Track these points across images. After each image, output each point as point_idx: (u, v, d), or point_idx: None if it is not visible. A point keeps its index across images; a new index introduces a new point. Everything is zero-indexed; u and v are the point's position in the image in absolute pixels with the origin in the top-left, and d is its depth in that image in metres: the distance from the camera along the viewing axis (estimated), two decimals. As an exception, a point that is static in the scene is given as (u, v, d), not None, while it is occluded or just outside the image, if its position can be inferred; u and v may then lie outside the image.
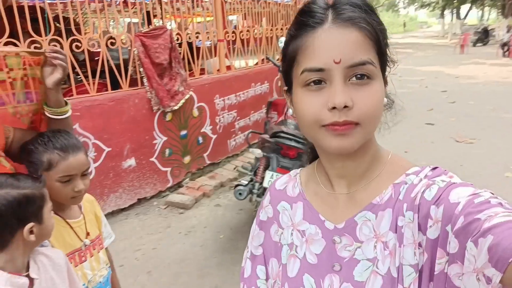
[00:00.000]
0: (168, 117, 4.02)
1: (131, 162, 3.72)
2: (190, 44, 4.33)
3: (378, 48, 0.61)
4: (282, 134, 2.79)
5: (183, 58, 4.19)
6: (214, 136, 4.63)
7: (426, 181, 0.61)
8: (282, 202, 0.78)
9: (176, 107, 4.01)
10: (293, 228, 0.74)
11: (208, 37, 4.56)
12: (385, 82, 0.66)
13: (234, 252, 3.08)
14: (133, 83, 3.78)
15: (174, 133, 4.11)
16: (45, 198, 1.05)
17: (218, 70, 4.83)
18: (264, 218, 0.80)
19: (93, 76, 3.41)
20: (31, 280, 1.01)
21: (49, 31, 3.14)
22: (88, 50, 3.41)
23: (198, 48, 4.43)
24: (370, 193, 0.67)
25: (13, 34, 2.94)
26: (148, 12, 4.30)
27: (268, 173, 2.81)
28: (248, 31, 5.09)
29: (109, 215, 3.61)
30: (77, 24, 3.72)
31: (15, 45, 2.88)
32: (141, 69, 3.76)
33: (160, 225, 3.61)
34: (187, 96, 4.13)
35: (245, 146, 5.12)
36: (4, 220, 0.95)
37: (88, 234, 1.34)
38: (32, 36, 3.03)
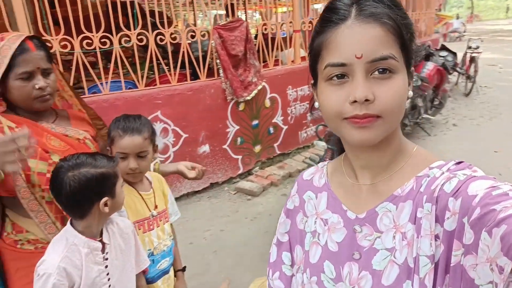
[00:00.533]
0: (241, 107, 4.18)
1: (206, 148, 3.96)
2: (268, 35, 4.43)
3: (401, 43, 0.61)
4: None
5: (258, 50, 4.30)
6: (285, 127, 4.70)
7: (448, 174, 0.61)
8: (308, 191, 0.81)
9: (248, 98, 4.16)
10: (317, 216, 0.77)
11: (283, 28, 4.60)
12: (411, 76, 0.66)
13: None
14: (210, 74, 3.99)
15: (246, 123, 4.27)
16: (118, 175, 1.20)
17: (292, 61, 4.85)
18: (291, 206, 0.84)
19: (179, 67, 3.68)
20: (103, 245, 1.19)
21: (137, 25, 3.46)
22: (174, 43, 3.68)
23: (273, 39, 4.51)
24: (392, 185, 0.68)
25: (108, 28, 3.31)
26: (232, 4, 4.46)
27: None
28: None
29: (184, 196, 3.91)
30: (168, 18, 4.02)
31: (110, 39, 3.24)
32: (218, 61, 3.96)
33: (229, 209, 3.80)
34: (259, 87, 4.24)
35: (317, 139, 5.10)
36: (84, 194, 1.12)
37: (156, 206, 1.50)
38: (122, 30, 3.37)
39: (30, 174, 1.22)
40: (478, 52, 7.84)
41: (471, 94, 7.86)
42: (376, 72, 0.60)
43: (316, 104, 0.70)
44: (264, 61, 4.45)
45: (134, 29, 3.42)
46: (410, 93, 0.66)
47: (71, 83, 3.20)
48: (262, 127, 4.45)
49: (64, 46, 3.19)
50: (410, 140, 0.73)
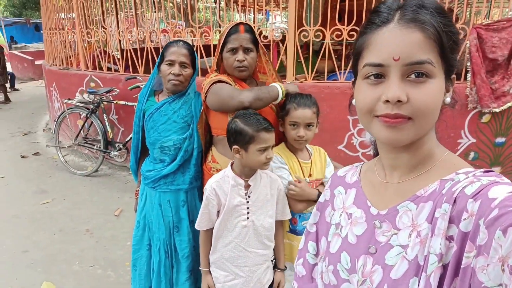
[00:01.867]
0: (485, 118, 3.62)
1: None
2: None
3: (441, 50, 0.62)
4: None
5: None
6: (502, 140, 3.73)
7: (472, 178, 0.61)
8: (339, 187, 0.87)
9: (497, 110, 3.55)
10: (343, 210, 0.82)
11: None
12: (452, 84, 0.67)
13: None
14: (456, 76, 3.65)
15: (488, 138, 3.68)
16: (255, 139, 1.49)
17: None
18: (322, 200, 0.91)
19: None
20: (248, 186, 1.57)
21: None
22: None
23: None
24: (416, 185, 0.69)
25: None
26: None
27: None
28: None
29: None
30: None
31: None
32: (468, 63, 3.56)
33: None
34: (517, 100, 3.52)
35: None
36: (229, 138, 1.56)
37: (310, 175, 1.74)
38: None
39: None
40: None
41: None
42: (413, 76, 0.62)
43: (354, 101, 0.74)
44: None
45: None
46: (448, 100, 0.67)
47: (325, 69, 3.77)
48: (509, 147, 3.72)
49: (317, 36, 3.72)
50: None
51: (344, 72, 3.76)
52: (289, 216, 1.68)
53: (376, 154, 0.85)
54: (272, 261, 1.72)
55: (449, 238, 0.59)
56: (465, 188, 0.59)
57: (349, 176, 0.86)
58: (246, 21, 1.94)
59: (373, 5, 2.70)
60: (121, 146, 4.39)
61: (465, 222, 0.56)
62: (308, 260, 0.90)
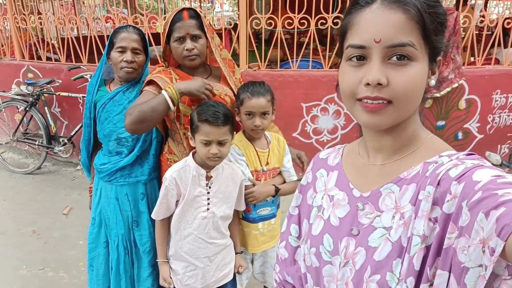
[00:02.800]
0: (428, 103, 3.85)
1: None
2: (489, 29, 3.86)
3: (424, 31, 0.61)
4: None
5: (471, 45, 3.80)
6: (479, 136, 4.06)
7: (456, 161, 0.61)
8: (321, 169, 0.86)
9: (438, 95, 3.79)
10: (325, 192, 0.82)
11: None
12: (438, 66, 0.66)
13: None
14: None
15: (430, 121, 3.92)
16: (198, 129, 1.46)
17: (512, 62, 4.05)
18: (304, 182, 0.90)
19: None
20: (210, 177, 1.54)
21: (336, 9, 3.65)
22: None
23: (489, 35, 3.88)
24: (400, 168, 0.69)
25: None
26: None
27: None
28: None
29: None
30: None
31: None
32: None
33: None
34: (455, 85, 3.79)
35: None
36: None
37: (267, 163, 1.74)
38: (321, 13, 3.63)
39: (180, 114, 1.66)
40: None
41: None
42: (394, 58, 0.61)
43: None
44: (473, 57, 3.90)
45: (332, 13, 3.63)
46: (433, 82, 0.67)
47: (278, 58, 3.77)
48: (449, 130, 4.00)
49: (269, 24, 3.72)
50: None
51: (296, 61, 3.81)
52: (244, 207, 1.69)
53: (360, 135, 0.84)
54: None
55: (433, 220, 0.59)
56: (449, 171, 0.59)
57: (331, 159, 0.86)
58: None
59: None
60: (66, 141, 4.13)
61: (448, 204, 0.57)
62: (290, 243, 0.90)
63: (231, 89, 1.76)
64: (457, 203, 0.55)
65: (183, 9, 1.64)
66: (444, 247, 0.56)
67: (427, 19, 0.60)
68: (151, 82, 1.64)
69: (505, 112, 4.04)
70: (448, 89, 3.81)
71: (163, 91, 1.53)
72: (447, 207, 0.57)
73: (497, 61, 4.10)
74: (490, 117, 4.03)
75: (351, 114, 0.70)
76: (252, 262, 1.86)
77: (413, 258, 0.60)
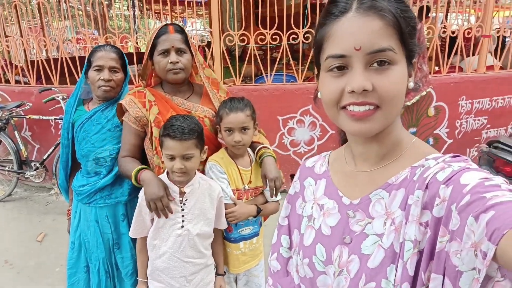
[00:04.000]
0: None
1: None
2: (454, 39, 4.06)
3: (401, 36, 0.62)
4: (500, 145, 2.35)
5: (436, 54, 3.98)
6: (449, 141, 4.23)
7: (442, 164, 0.62)
8: (309, 178, 0.85)
9: (408, 103, 3.92)
10: (314, 202, 0.81)
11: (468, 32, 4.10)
12: (414, 68, 0.68)
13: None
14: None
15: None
16: (163, 144, 1.45)
17: (475, 70, 4.27)
18: (292, 192, 0.89)
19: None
20: (184, 193, 1.50)
21: (306, 24, 3.75)
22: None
23: (452, 44, 4.08)
24: (387, 173, 0.69)
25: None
26: (424, 6, 4.14)
27: None
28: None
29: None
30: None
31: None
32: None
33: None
34: (423, 93, 3.94)
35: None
36: None
37: (250, 182, 1.73)
38: (292, 28, 3.73)
39: (152, 137, 1.63)
40: None
41: None
42: (375, 64, 0.62)
43: (319, 94, 0.72)
44: (438, 66, 4.09)
45: (303, 28, 3.73)
46: (411, 85, 0.67)
47: (253, 73, 3.82)
48: (420, 137, 4.12)
49: (242, 40, 3.78)
50: None
51: (271, 75, 3.87)
52: (225, 226, 1.65)
53: (343, 142, 0.84)
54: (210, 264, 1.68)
55: (424, 224, 0.59)
56: (436, 174, 0.59)
57: (318, 167, 0.85)
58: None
59: (290, 11, 2.85)
60: (38, 165, 3.99)
61: (437, 208, 0.57)
62: (282, 254, 0.88)
63: (214, 108, 1.74)
64: (447, 207, 0.55)
65: (168, 24, 1.64)
66: (436, 250, 0.57)
67: (402, 23, 0.62)
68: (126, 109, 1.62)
69: (471, 117, 4.24)
70: (418, 97, 3.95)
71: (133, 173, 1.54)
72: (437, 211, 0.57)
73: (461, 69, 4.30)
74: (458, 123, 4.21)
75: (336, 123, 0.70)
76: (236, 281, 1.84)
77: (406, 263, 0.60)
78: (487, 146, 2.50)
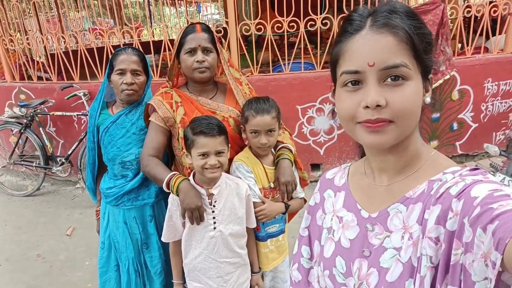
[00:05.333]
0: (421, 96, 3.89)
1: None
2: (476, 19, 3.90)
3: (414, 52, 0.64)
4: (528, 134, 2.28)
5: (459, 34, 3.84)
6: (474, 125, 4.11)
7: (457, 178, 0.63)
8: (328, 190, 0.87)
9: (431, 87, 3.81)
10: (334, 214, 0.82)
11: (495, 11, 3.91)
12: (430, 83, 0.69)
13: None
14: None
15: (425, 115, 3.93)
16: (194, 143, 1.45)
17: (501, 50, 4.10)
18: (312, 203, 0.91)
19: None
20: (212, 195, 1.52)
21: (324, 10, 3.66)
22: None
23: (478, 24, 3.92)
24: (405, 187, 0.70)
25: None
26: None
27: (499, 177, 2.39)
28: None
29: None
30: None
31: (297, 23, 3.55)
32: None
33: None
34: (447, 77, 3.83)
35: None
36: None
37: (275, 180, 1.73)
38: (309, 15, 3.64)
39: (179, 138, 1.64)
40: None
41: None
42: (389, 79, 0.63)
43: (336, 109, 0.74)
44: (462, 48, 3.95)
45: (320, 14, 3.64)
46: (428, 100, 0.69)
47: (270, 62, 3.77)
48: (444, 122, 4.04)
49: (259, 29, 3.72)
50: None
51: (288, 63, 3.81)
52: (254, 224, 1.66)
53: (362, 155, 0.86)
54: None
55: (434, 240, 0.60)
56: (450, 189, 0.61)
57: (338, 179, 0.86)
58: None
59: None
60: (63, 160, 4.10)
61: (451, 221, 0.58)
62: (303, 265, 0.90)
63: (238, 107, 1.73)
64: (459, 220, 0.56)
65: (195, 23, 1.64)
66: (451, 263, 0.57)
67: (416, 40, 0.63)
68: (154, 109, 1.64)
69: (497, 100, 4.10)
70: (441, 81, 3.85)
71: (165, 180, 1.53)
72: (450, 225, 0.58)
73: (486, 50, 4.14)
74: (483, 106, 4.08)
75: (353, 137, 0.71)
76: (262, 278, 1.86)
77: (424, 278, 0.61)
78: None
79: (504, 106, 4.13)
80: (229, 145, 1.55)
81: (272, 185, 1.72)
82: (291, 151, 1.74)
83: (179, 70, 1.73)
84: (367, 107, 0.63)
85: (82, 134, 3.93)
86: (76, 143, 3.97)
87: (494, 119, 4.15)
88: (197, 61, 1.59)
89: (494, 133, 4.23)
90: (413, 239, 0.65)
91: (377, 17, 0.64)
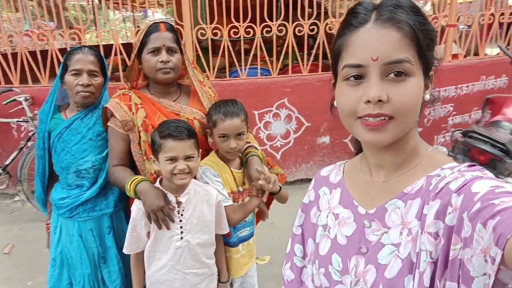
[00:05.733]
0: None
1: (326, 139, 4.03)
2: None
3: (418, 48, 0.63)
4: (474, 135, 2.45)
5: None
6: (419, 129, 4.33)
7: (456, 174, 0.62)
8: (324, 187, 0.85)
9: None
10: (329, 211, 0.81)
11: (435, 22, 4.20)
12: (430, 80, 0.68)
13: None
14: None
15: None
16: (162, 147, 1.38)
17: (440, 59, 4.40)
18: (306, 201, 0.89)
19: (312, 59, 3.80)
20: (180, 203, 1.44)
21: (279, 17, 3.71)
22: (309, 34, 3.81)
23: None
24: (403, 183, 0.70)
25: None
26: None
27: None
28: (492, 15, 4.36)
29: (298, 181, 4.10)
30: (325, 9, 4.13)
31: (253, 29, 3.57)
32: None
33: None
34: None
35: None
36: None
37: (243, 183, 1.69)
38: (265, 21, 3.66)
39: (141, 142, 1.55)
40: None
41: None
42: (392, 75, 0.62)
43: (335, 103, 0.73)
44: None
45: (276, 20, 3.68)
46: (427, 97, 0.68)
47: (227, 67, 3.72)
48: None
49: (215, 34, 3.68)
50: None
51: (245, 69, 3.80)
52: (227, 230, 1.60)
53: (358, 152, 0.85)
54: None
55: (434, 235, 0.60)
56: (449, 184, 0.61)
57: (333, 176, 0.85)
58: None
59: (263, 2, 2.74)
60: (0, 171, 3.73)
61: (450, 216, 0.58)
62: (296, 264, 0.88)
63: (203, 109, 1.67)
64: (458, 215, 0.56)
65: (159, 22, 1.56)
66: (450, 258, 0.57)
67: (420, 36, 0.62)
68: (112, 113, 1.53)
69: (438, 105, 4.38)
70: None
71: (126, 185, 1.45)
72: (449, 219, 0.58)
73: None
74: (426, 111, 4.33)
75: (351, 133, 0.70)
76: (231, 285, 1.81)
77: (423, 273, 0.60)
78: (462, 136, 2.59)
79: (444, 111, 4.44)
80: (199, 150, 1.49)
81: (241, 189, 1.68)
82: (257, 149, 1.72)
83: (140, 71, 1.63)
84: (368, 101, 0.63)
85: (22, 142, 3.61)
86: (16, 152, 3.63)
87: (436, 123, 4.44)
88: (161, 61, 1.51)
89: (435, 136, 4.52)
90: (412, 234, 0.64)
91: (382, 11, 0.63)
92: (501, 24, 4.51)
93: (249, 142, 1.74)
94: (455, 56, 4.45)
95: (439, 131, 4.50)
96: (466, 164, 0.65)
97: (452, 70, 4.32)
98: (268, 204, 1.81)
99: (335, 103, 0.73)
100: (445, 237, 0.58)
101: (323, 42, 3.77)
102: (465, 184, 0.58)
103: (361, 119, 0.65)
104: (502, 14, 4.43)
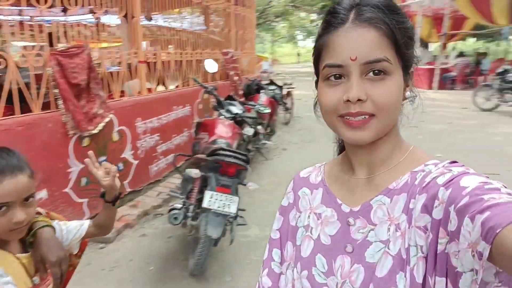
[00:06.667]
0: (86, 142, 3.68)
1: (43, 194, 3.29)
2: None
3: (396, 46, 0.64)
4: (222, 152, 2.78)
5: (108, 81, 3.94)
6: (135, 162, 4.37)
7: (443, 169, 0.63)
8: (304, 188, 0.82)
9: (95, 131, 3.71)
10: (311, 211, 0.78)
11: (118, 62, 4.36)
12: (410, 78, 0.70)
13: (167, 282, 2.91)
14: (45, 106, 3.40)
15: (92, 159, 3.76)
16: None
17: (139, 92, 4.62)
18: (285, 203, 0.85)
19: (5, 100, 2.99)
20: None
21: None
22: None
23: (113, 72, 4.21)
24: (387, 179, 0.70)
25: None
26: (50, 34, 3.81)
27: (208, 193, 2.73)
28: (169, 53, 5.02)
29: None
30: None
31: None
32: (56, 90, 3.42)
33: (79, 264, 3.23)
34: (107, 119, 3.85)
35: (168, 171, 4.94)
36: None
37: (36, 270, 1.14)
38: None
39: None
40: (293, 88, 9.19)
41: (290, 123, 9.11)
42: (371, 73, 0.63)
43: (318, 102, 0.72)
44: (109, 92, 4.09)
45: None
46: (408, 94, 0.70)
47: None
48: (112, 162, 3.99)
49: None
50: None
51: None
52: None
53: (341, 150, 0.83)
54: None
55: (423, 229, 0.60)
56: (436, 179, 0.61)
57: (313, 177, 0.83)
58: None
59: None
60: None
61: (436, 210, 0.58)
62: (273, 269, 0.82)
63: None
64: (445, 208, 0.56)
65: None
66: (437, 252, 0.57)
67: (398, 34, 0.64)
68: None
69: (148, 136, 4.57)
70: (103, 123, 3.82)
71: None
72: (436, 213, 0.58)
73: (123, 93, 4.49)
74: (138, 143, 4.43)
75: (334, 131, 0.70)
76: None
77: (413, 269, 0.60)
78: (209, 156, 2.84)
79: (153, 140, 4.68)
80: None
81: (37, 280, 1.15)
82: (40, 213, 1.25)
83: None
84: (348, 101, 0.63)
85: None
86: None
87: (148, 154, 4.60)
88: None
89: (149, 166, 4.68)
90: (400, 230, 0.64)
91: (360, 11, 0.64)
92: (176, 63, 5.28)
93: None
94: (150, 90, 4.78)
95: (151, 160, 4.69)
96: (448, 161, 0.66)
97: (151, 103, 4.62)
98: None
99: (317, 101, 0.73)
100: (433, 231, 0.58)
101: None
102: (453, 178, 0.58)
103: (343, 118, 0.65)
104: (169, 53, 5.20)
